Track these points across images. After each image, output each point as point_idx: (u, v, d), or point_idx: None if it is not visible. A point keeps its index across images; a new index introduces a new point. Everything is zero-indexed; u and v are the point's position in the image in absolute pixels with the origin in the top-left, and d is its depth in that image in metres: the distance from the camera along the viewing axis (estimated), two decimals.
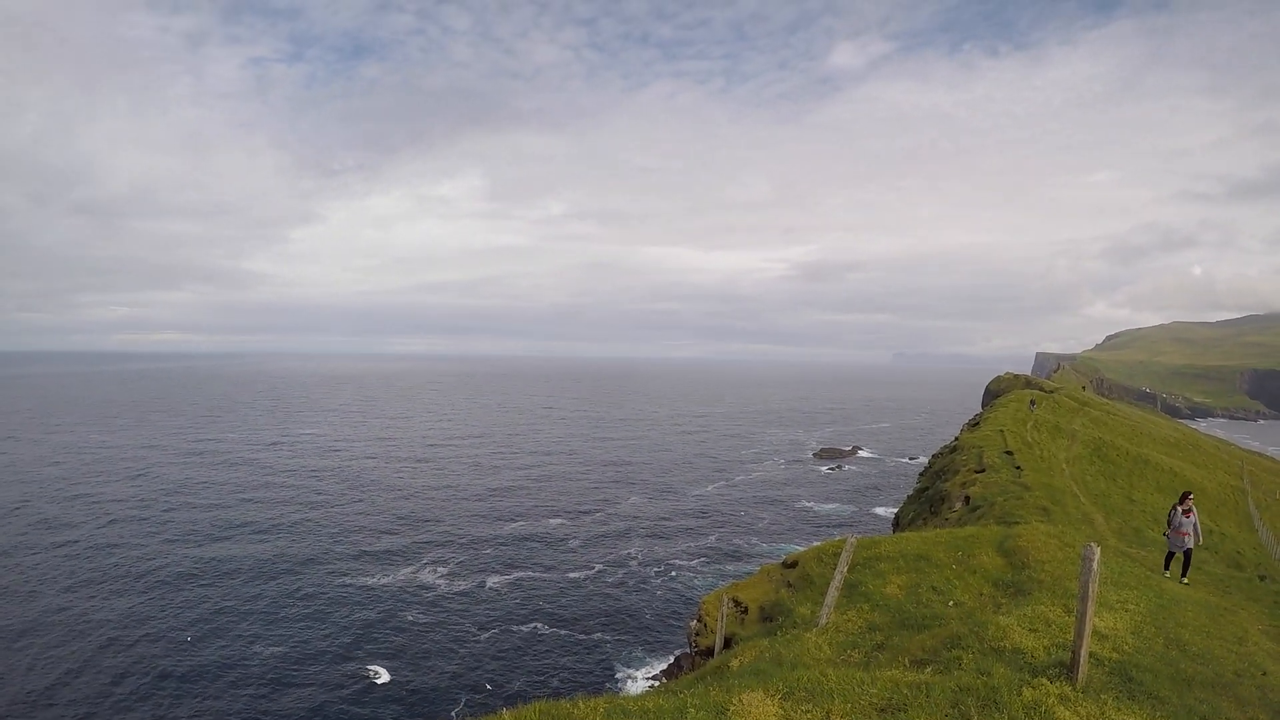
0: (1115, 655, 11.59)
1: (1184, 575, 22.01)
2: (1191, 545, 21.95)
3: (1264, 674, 12.34)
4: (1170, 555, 22.71)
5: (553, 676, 48.60)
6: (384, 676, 47.83)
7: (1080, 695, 9.50)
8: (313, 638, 53.03)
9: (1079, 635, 9.98)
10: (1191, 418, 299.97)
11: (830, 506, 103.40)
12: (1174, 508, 22.43)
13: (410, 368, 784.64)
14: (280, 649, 51.02)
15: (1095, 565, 9.65)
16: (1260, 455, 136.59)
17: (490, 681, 47.79)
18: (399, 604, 59.91)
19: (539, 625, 56.64)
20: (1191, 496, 22.83)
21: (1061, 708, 9.08)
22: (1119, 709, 9.25)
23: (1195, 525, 21.94)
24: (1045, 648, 11.63)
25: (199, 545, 73.87)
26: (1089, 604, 9.68)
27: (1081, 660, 10.00)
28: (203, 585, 62.77)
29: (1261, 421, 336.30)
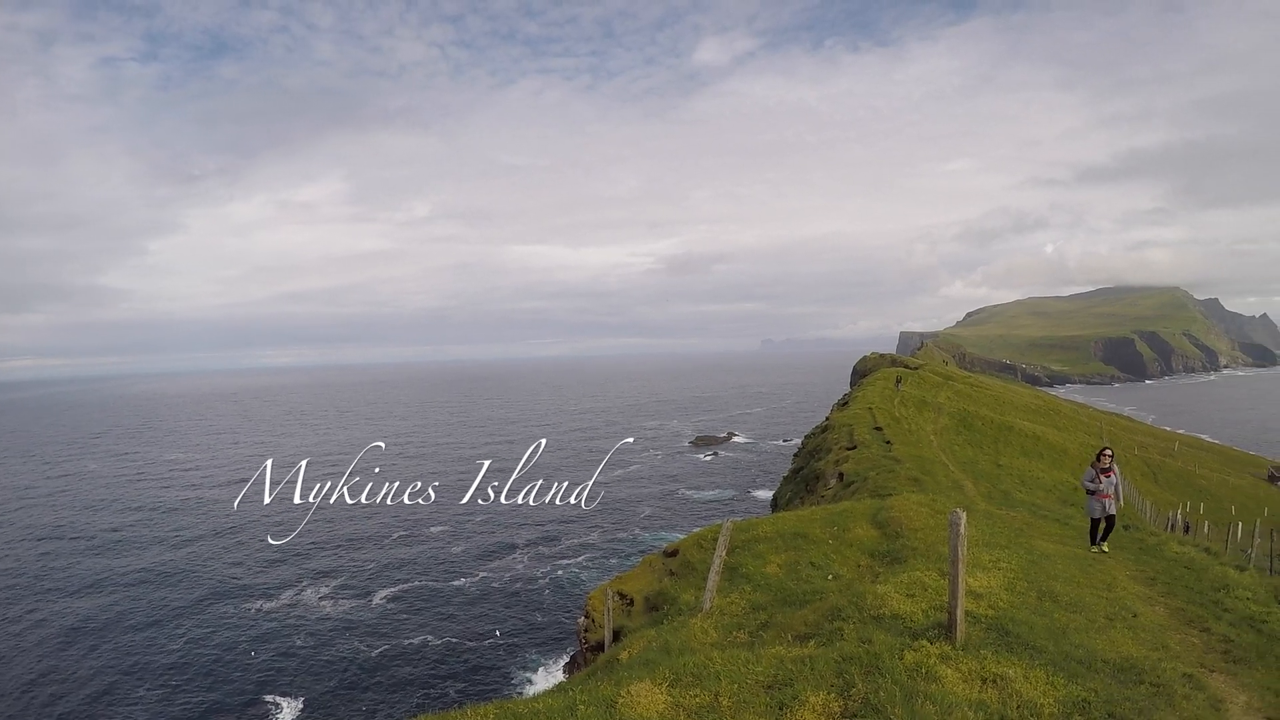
0: (991, 612, 11.88)
1: (1103, 540, 19.65)
2: (1114, 510, 19.25)
3: (1134, 615, 12.95)
4: (1095, 523, 19.67)
5: (450, 687, 47.25)
6: (284, 710, 45.18)
7: (960, 653, 9.64)
8: (206, 683, 49.08)
9: (953, 596, 10.20)
10: (1051, 385, 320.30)
11: (710, 493, 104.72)
12: (1090, 468, 19.47)
13: (277, 381, 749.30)
14: (172, 702, 46.91)
15: (962, 529, 9.89)
16: (1116, 415, 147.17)
17: (385, 699, 46.04)
18: (287, 631, 56.65)
19: (429, 637, 55.03)
20: (1110, 454, 19.37)
21: (943, 666, 9.17)
22: (999, 661, 9.44)
23: (1117, 486, 19.10)
24: (923, 611, 11.82)
25: (71, 596, 67.09)
26: (959, 566, 9.94)
27: (958, 620, 10.20)
28: (82, 639, 57.02)
29: (1116, 385, 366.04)
